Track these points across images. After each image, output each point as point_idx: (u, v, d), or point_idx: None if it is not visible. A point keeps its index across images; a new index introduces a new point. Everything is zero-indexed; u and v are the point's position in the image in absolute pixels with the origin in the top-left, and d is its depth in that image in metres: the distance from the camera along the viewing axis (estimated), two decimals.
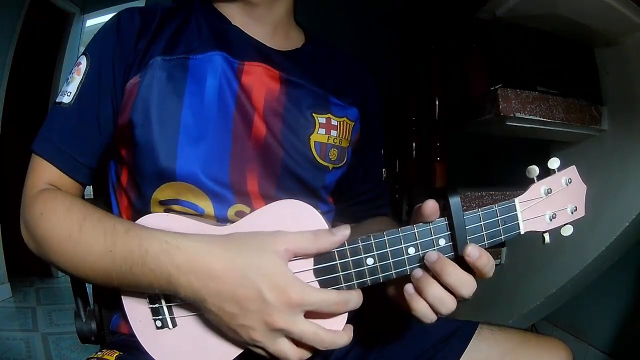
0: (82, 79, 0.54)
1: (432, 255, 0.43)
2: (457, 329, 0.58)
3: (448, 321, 0.60)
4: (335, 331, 0.44)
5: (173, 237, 0.44)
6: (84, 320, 0.64)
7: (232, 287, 0.41)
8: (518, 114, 1.01)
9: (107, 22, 0.57)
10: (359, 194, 0.69)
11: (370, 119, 0.67)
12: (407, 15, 1.80)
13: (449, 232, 0.44)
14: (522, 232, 0.46)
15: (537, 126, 1.05)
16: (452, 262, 0.42)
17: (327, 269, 0.45)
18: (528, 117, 1.02)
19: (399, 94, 1.76)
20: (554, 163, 0.47)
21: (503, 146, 1.60)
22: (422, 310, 0.43)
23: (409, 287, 0.43)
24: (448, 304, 0.42)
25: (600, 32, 1.01)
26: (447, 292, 0.42)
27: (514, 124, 1.04)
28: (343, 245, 0.45)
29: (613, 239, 1.01)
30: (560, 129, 1.08)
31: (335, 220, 0.68)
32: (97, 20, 3.09)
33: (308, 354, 0.44)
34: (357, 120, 0.65)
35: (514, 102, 1.01)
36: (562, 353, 0.56)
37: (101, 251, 0.45)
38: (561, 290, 1.14)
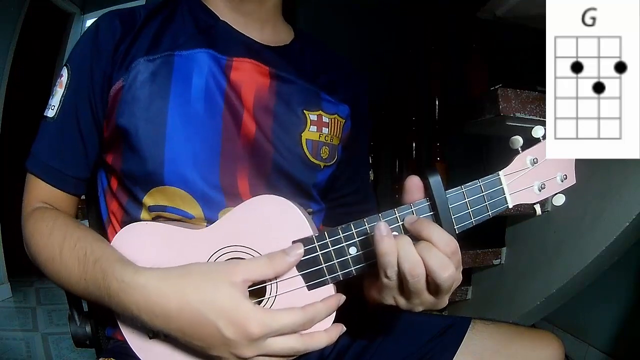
0: (64, 91, 0.54)
1: (410, 218, 0.41)
2: (451, 324, 0.59)
3: (442, 317, 0.61)
4: (311, 335, 0.43)
5: (129, 275, 0.43)
6: (78, 324, 0.64)
7: (191, 326, 0.41)
8: (518, 114, 1.01)
9: (86, 30, 0.56)
10: (345, 195, 0.67)
11: (360, 117, 0.66)
12: (407, 16, 1.80)
13: (432, 213, 0.42)
14: (510, 206, 0.44)
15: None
16: (434, 222, 0.41)
17: (310, 262, 0.44)
18: (528, 117, 1.02)
19: (399, 94, 1.76)
20: (538, 131, 0.44)
21: (503, 146, 1.59)
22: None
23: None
24: (449, 266, 0.39)
25: None
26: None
27: (514, 124, 1.04)
28: (323, 236, 0.44)
29: (613, 239, 1.01)
30: None
31: (323, 224, 0.66)
32: None
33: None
34: (347, 118, 0.63)
35: (514, 102, 1.01)
36: (555, 345, 0.57)
37: (77, 277, 0.47)
38: (561, 290, 1.13)
